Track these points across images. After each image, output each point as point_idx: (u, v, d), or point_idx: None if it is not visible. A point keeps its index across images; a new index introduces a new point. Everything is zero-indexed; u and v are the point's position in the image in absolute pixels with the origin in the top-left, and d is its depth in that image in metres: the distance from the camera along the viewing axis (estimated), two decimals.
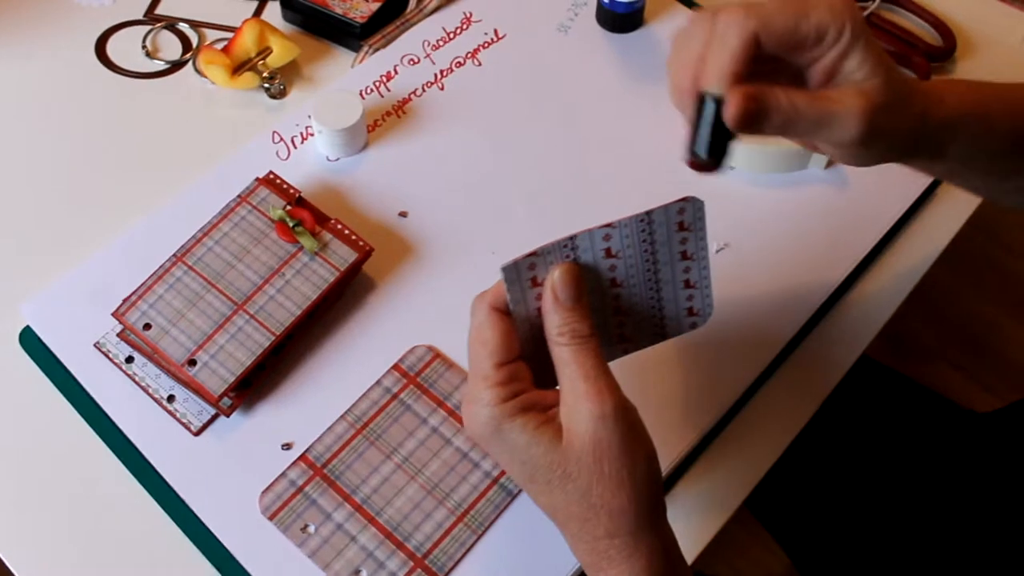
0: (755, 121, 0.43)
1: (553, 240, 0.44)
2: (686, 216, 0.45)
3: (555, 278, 0.44)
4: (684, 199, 0.44)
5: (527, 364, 0.45)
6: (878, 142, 0.46)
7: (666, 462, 0.56)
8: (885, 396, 0.81)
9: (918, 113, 0.47)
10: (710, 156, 0.44)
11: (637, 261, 0.45)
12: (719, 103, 0.43)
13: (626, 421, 0.42)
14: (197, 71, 0.74)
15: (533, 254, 0.44)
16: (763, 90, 0.43)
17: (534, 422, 0.43)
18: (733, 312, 0.62)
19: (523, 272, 0.44)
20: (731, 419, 0.59)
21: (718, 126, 0.44)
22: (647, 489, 0.43)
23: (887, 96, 0.45)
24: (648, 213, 0.44)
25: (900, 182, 0.67)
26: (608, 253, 0.44)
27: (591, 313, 0.44)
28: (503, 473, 0.55)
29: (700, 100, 0.44)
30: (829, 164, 0.67)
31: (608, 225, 0.44)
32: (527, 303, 0.44)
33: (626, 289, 0.45)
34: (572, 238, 0.44)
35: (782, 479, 0.61)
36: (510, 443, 0.43)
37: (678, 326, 0.47)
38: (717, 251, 0.64)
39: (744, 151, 0.67)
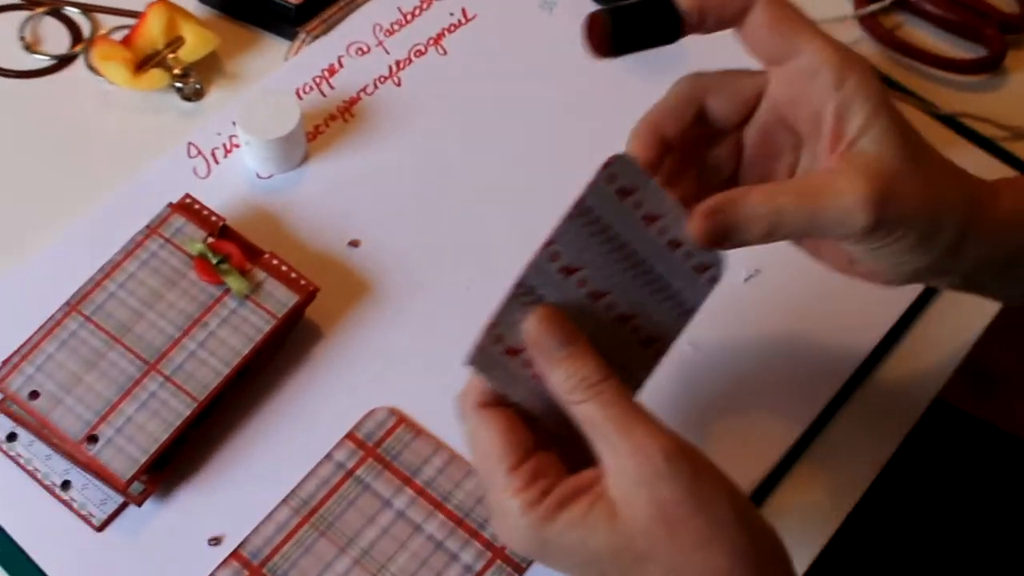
0: (726, 236, 0.44)
1: (501, 301, 0.45)
2: (622, 180, 0.45)
3: (531, 334, 0.44)
4: (607, 163, 0.45)
5: (558, 448, 0.45)
6: (900, 234, 0.45)
7: None
8: (965, 444, 0.83)
9: (957, 202, 0.46)
10: (615, 31, 0.45)
11: (605, 259, 0.45)
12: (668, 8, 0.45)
13: (686, 466, 0.42)
14: (91, 68, 0.74)
15: (492, 326, 0.44)
16: (732, 197, 0.44)
17: (580, 511, 0.43)
18: (768, 352, 0.63)
19: (494, 352, 0.45)
20: (780, 479, 0.60)
21: (652, 23, 0.45)
22: (743, 535, 0.42)
23: (904, 173, 0.44)
24: (579, 203, 0.45)
25: None
26: (567, 271, 0.45)
27: (593, 347, 0.44)
28: (488, 567, 0.56)
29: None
30: None
31: (547, 244, 0.45)
32: (518, 378, 0.45)
33: (616, 292, 0.46)
34: (519, 284, 0.44)
35: (844, 544, 0.62)
36: (563, 548, 0.43)
37: (696, 291, 0.47)
38: (746, 279, 0.65)
39: None
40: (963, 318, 0.66)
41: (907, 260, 0.47)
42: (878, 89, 0.45)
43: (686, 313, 0.48)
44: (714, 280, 0.48)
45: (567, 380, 0.44)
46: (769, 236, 0.44)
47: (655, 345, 0.48)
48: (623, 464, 0.42)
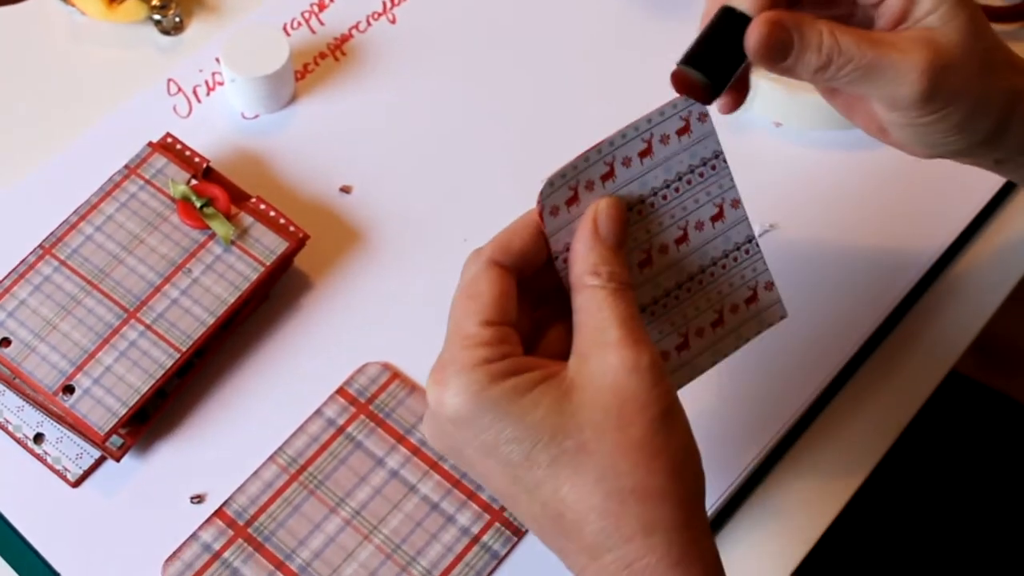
0: (782, 52, 0.45)
1: (582, 152, 0.45)
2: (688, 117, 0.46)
3: (598, 213, 0.44)
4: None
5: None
6: (945, 112, 0.47)
7: (714, 495, 0.56)
8: (976, 415, 0.83)
9: (1007, 89, 0.48)
10: (706, 75, 0.45)
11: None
12: (742, 20, 0.45)
13: (666, 386, 0.42)
14: None
15: (573, 168, 0.45)
16: (799, 18, 0.45)
17: (530, 380, 0.42)
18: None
19: (563, 190, 0.45)
20: (789, 447, 0.60)
21: (730, 45, 0.45)
22: (691, 470, 0.42)
23: (964, 53, 0.46)
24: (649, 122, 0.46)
25: None
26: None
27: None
28: (486, 529, 0.56)
29: (720, 13, 0.46)
30: None
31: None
32: (562, 229, 0.45)
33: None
34: (607, 142, 0.45)
35: (853, 520, 0.62)
36: (496, 419, 0.41)
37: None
38: (762, 234, 0.65)
39: (794, 101, 0.68)
40: (981, 288, 0.66)
41: (946, 140, 0.48)
42: None
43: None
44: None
45: (600, 265, 0.44)
46: (822, 69, 0.45)
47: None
48: (605, 350, 0.42)
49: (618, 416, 0.41)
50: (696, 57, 0.46)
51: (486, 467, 0.43)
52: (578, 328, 0.43)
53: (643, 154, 0.46)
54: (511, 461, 0.42)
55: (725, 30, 0.46)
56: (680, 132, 0.47)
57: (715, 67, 0.46)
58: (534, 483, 0.42)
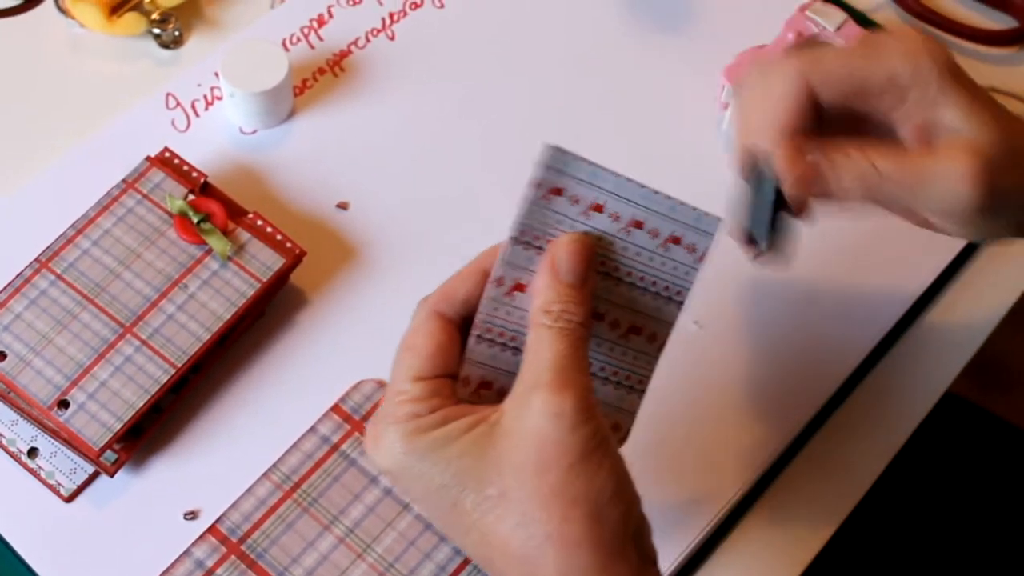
0: (816, 186, 0.47)
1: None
2: (549, 178, 0.46)
3: (559, 244, 0.45)
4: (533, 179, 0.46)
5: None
6: (1005, 208, 0.48)
7: (704, 520, 0.58)
8: (971, 439, 0.84)
9: None
10: (769, 245, 0.48)
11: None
12: (769, 183, 0.47)
13: (591, 430, 0.42)
14: (60, 10, 0.74)
15: (522, 231, 0.45)
16: (820, 144, 0.47)
17: (458, 429, 0.43)
18: (773, 338, 0.64)
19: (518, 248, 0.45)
20: (778, 474, 0.62)
21: (778, 205, 0.48)
22: (614, 513, 0.42)
23: (1004, 149, 0.47)
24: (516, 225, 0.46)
25: None
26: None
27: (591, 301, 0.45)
28: None
29: (758, 174, 0.48)
30: None
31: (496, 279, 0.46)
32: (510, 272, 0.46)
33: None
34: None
35: (851, 536, 0.63)
36: (424, 468, 0.43)
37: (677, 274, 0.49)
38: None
39: None
40: (977, 310, 0.67)
41: (998, 232, 0.50)
42: (962, 74, 0.47)
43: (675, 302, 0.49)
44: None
45: (553, 303, 0.44)
46: (867, 195, 0.47)
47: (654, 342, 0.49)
48: (532, 393, 0.43)
49: (537, 462, 0.42)
50: (754, 223, 0.49)
51: (427, 510, 0.46)
52: (522, 367, 0.44)
53: (637, 224, 0.47)
54: (442, 507, 0.44)
55: (767, 191, 0.48)
56: (680, 243, 0.47)
57: (772, 232, 0.49)
58: (465, 527, 0.44)
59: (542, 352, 0.44)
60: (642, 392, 0.49)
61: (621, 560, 0.42)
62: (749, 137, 0.49)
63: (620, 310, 0.48)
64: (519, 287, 0.46)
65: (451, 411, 0.44)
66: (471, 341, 0.46)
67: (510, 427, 0.43)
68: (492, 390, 0.47)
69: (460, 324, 0.46)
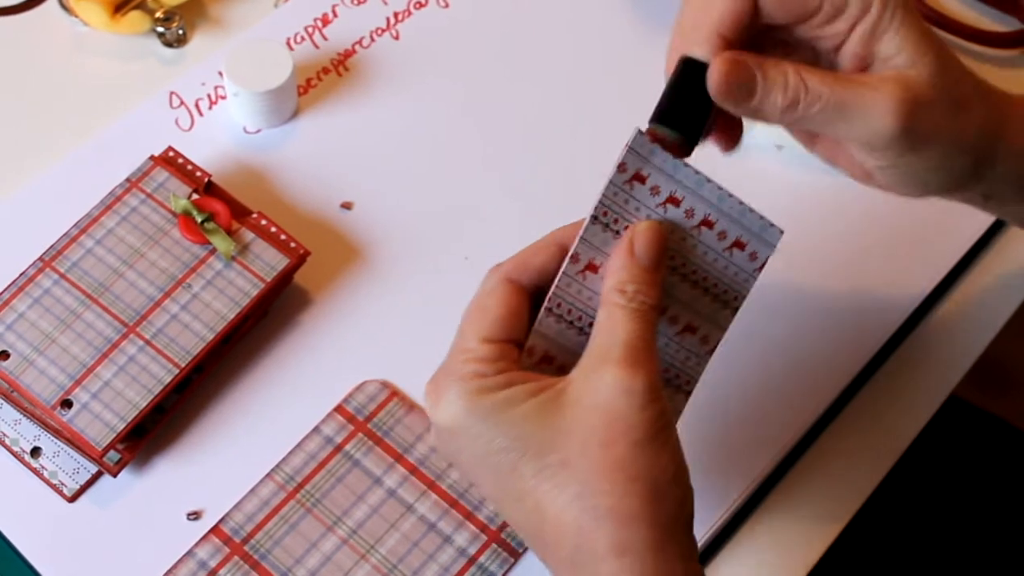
0: (746, 92, 0.46)
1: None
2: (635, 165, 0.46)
3: (639, 229, 0.46)
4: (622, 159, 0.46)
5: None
6: (923, 152, 0.47)
7: (710, 520, 0.58)
8: (971, 440, 0.84)
9: (982, 123, 0.49)
10: (678, 130, 0.46)
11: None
12: (703, 68, 0.46)
13: (658, 410, 0.43)
14: (64, 8, 0.74)
15: (603, 212, 0.46)
16: (761, 57, 0.46)
17: (523, 392, 0.44)
18: (779, 339, 0.64)
19: (604, 221, 0.46)
20: (783, 475, 0.62)
21: (696, 94, 0.46)
22: (672, 495, 0.43)
23: (935, 90, 0.46)
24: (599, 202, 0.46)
25: None
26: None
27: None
28: (483, 550, 0.57)
29: (681, 64, 0.47)
30: None
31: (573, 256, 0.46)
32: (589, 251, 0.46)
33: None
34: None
35: (855, 539, 0.63)
36: (486, 427, 0.43)
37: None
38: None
39: None
40: (982, 313, 0.67)
41: (928, 179, 0.49)
42: (909, 7, 0.46)
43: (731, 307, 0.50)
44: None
45: (628, 283, 0.45)
46: (790, 109, 0.46)
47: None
48: (604, 367, 0.43)
49: (603, 435, 0.42)
50: (665, 114, 0.47)
51: (477, 474, 0.46)
52: (591, 342, 0.45)
53: (708, 224, 0.47)
54: (500, 470, 0.44)
55: (689, 80, 0.46)
56: (744, 249, 0.48)
57: (686, 120, 0.47)
58: (520, 493, 0.44)
59: (615, 329, 0.44)
60: (688, 393, 0.50)
61: (674, 542, 0.43)
62: (684, 38, 0.47)
63: (680, 306, 0.48)
64: (592, 267, 0.46)
65: (516, 375, 0.44)
66: (541, 313, 0.46)
67: (578, 397, 0.43)
68: (553, 365, 0.47)
69: (531, 293, 0.47)
